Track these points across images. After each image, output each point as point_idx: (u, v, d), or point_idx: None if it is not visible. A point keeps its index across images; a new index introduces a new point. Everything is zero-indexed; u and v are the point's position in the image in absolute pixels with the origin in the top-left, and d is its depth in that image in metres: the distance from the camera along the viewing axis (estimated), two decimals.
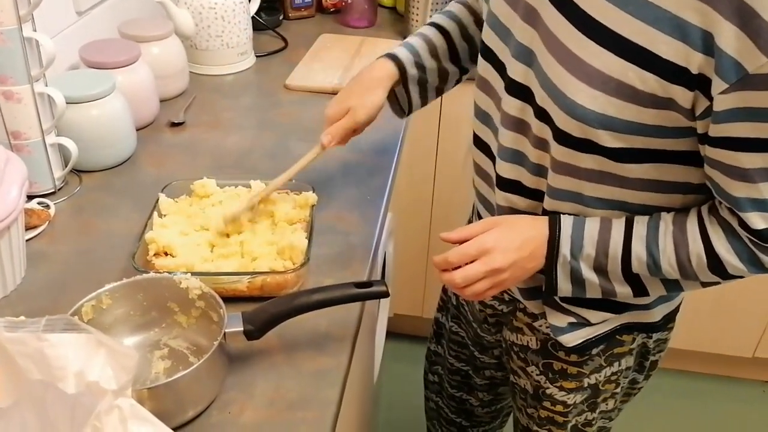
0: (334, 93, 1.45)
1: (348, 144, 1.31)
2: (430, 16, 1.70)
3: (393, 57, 1.04)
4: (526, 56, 0.82)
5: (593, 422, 1.09)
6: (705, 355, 2.10)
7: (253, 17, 1.59)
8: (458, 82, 1.13)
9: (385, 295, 0.83)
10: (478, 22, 1.07)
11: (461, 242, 0.86)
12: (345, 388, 0.84)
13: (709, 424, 2.05)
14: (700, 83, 0.69)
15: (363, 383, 1.30)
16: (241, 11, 1.51)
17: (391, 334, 1.90)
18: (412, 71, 1.04)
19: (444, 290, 1.30)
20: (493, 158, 0.94)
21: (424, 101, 1.11)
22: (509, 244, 0.84)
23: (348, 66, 1.56)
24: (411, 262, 2.00)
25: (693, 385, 2.16)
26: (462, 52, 1.08)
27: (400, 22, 1.83)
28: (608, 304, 0.93)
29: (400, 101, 1.10)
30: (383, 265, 1.51)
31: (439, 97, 1.74)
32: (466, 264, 0.84)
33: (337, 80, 1.49)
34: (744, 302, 1.95)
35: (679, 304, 1.02)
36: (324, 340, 0.87)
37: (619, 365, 1.01)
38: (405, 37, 1.72)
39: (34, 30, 1.01)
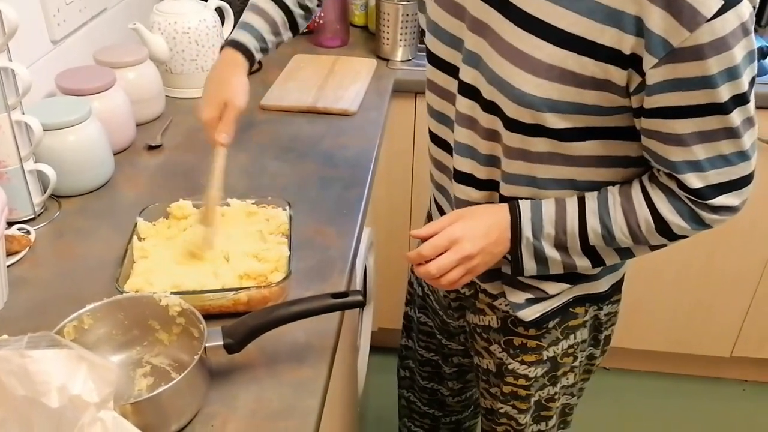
0: (309, 111, 1.49)
1: (323, 159, 1.34)
2: (401, 35, 1.75)
3: (239, 46, 1.12)
4: (474, 60, 0.89)
5: (556, 397, 1.14)
6: (683, 356, 2.14)
7: None
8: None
9: (361, 304, 0.85)
10: None
11: (431, 237, 0.91)
12: (326, 397, 0.85)
13: (691, 424, 2.08)
14: (632, 62, 0.77)
15: (346, 395, 1.31)
16: (214, 35, 1.54)
17: (376, 348, 1.92)
18: (258, 56, 1.14)
19: (410, 284, 1.35)
20: (450, 152, 1.00)
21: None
22: (476, 231, 0.91)
23: (322, 85, 1.59)
24: (393, 276, 2.02)
25: (673, 386, 2.19)
26: (299, 19, 1.18)
27: (372, 41, 1.87)
28: (563, 275, 0.99)
29: None
30: (364, 279, 1.54)
31: (414, 111, 1.78)
32: (438, 255, 0.90)
33: (311, 99, 1.52)
34: (719, 302, 1.99)
35: (623, 275, 1.09)
36: (304, 351, 0.89)
37: (575, 338, 1.07)
38: (377, 55, 1.79)
39: (10, 60, 1.03)
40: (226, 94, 1.06)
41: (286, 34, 1.18)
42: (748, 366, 2.16)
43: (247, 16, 1.15)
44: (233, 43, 1.12)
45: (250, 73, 1.16)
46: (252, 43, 1.12)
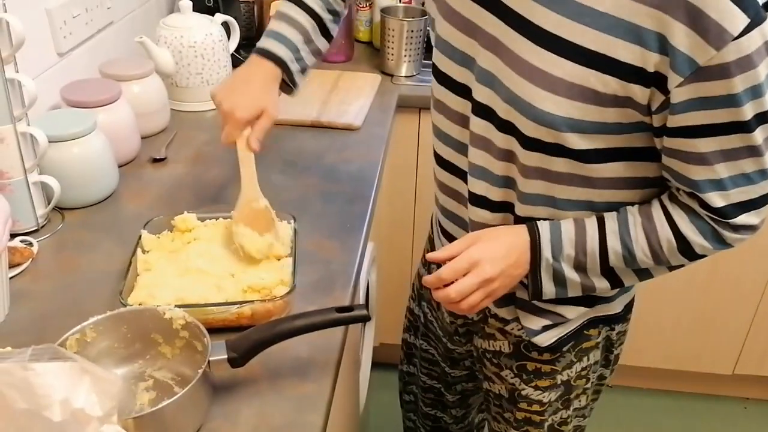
0: (313, 125, 1.50)
1: (327, 173, 1.34)
2: (405, 51, 1.75)
3: (276, 59, 1.08)
4: (488, 79, 0.88)
5: (569, 420, 1.12)
6: (685, 373, 2.13)
7: (232, 54, 1.63)
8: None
9: (366, 318, 0.85)
10: None
11: (449, 260, 0.89)
12: (329, 414, 0.85)
13: None
14: (656, 80, 0.76)
15: (348, 410, 1.31)
16: (220, 49, 1.54)
17: (378, 364, 1.91)
18: (293, 67, 1.10)
19: (410, 310, 1.33)
20: (459, 175, 0.99)
21: (306, 73, 1.16)
22: (495, 253, 0.89)
23: (326, 99, 1.60)
24: (395, 292, 2.01)
25: (674, 404, 2.17)
26: (329, 23, 1.15)
27: (376, 56, 1.87)
28: (581, 298, 0.97)
29: (285, 85, 1.14)
30: (367, 294, 1.53)
31: (417, 127, 1.78)
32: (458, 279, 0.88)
33: (315, 113, 1.53)
34: (721, 320, 1.98)
35: (634, 295, 1.08)
36: (307, 367, 0.89)
37: (588, 360, 1.06)
38: (381, 71, 1.79)
39: (17, 71, 1.03)
40: (265, 102, 1.05)
41: (320, 41, 1.14)
42: (751, 384, 2.15)
43: (279, 25, 1.10)
44: (269, 55, 1.08)
45: (290, 93, 1.15)
46: (287, 55, 1.09)
